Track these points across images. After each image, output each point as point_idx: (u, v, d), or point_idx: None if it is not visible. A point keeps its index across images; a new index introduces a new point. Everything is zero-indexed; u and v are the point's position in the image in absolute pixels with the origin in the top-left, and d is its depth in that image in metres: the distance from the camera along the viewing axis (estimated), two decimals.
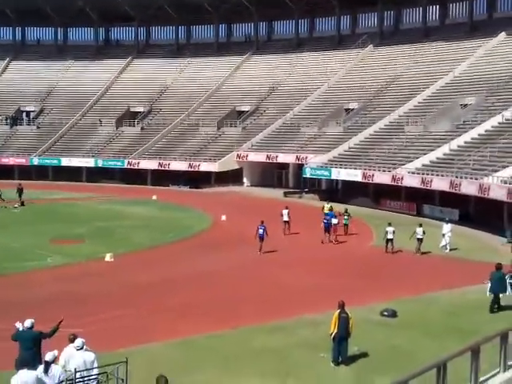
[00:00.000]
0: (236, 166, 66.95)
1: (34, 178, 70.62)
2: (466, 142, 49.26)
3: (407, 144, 54.72)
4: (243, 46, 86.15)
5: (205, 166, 66.94)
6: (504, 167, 40.84)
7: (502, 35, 65.66)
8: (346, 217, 37.06)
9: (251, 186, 66.35)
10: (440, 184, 43.56)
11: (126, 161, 70.55)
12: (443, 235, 32.58)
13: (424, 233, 31.79)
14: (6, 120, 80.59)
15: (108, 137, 76.90)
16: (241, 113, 74.98)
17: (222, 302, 22.36)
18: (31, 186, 57.62)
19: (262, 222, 31.97)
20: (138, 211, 47.22)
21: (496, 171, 40.54)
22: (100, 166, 71.43)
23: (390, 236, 31.91)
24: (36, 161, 73.65)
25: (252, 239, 31.68)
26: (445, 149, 49.52)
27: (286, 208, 37.82)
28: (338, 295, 18.28)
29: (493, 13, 70.97)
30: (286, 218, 37.17)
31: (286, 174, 67.04)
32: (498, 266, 22.15)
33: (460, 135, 50.44)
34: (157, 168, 68.90)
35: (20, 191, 49.72)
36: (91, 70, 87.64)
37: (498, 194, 36.95)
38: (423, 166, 48.35)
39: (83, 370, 12.24)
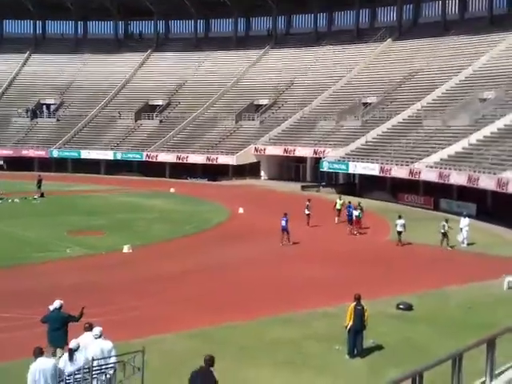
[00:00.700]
0: (254, 160, 67.02)
1: (54, 170, 71.30)
2: (485, 137, 48.93)
3: (425, 138, 54.46)
4: (262, 40, 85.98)
5: (223, 159, 67.08)
6: None
7: None
8: (358, 210, 37.02)
9: (268, 179, 66.41)
10: (458, 178, 43.35)
11: (144, 153, 70.84)
12: (461, 229, 32.46)
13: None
14: (27, 112, 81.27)
15: (127, 130, 77.28)
16: (259, 106, 74.98)
17: (237, 294, 22.50)
18: (51, 178, 58.18)
19: (286, 214, 32.19)
20: (156, 204, 47.45)
21: None
22: (119, 158, 71.82)
23: (399, 229, 32.11)
24: (56, 153, 74.21)
25: (269, 231, 31.77)
26: (464, 143, 49.24)
27: (309, 201, 37.91)
28: (354, 288, 18.34)
29: None
30: (307, 211, 37.27)
31: (303, 168, 67.00)
32: None
33: (479, 129, 50.09)
34: (175, 161, 69.12)
35: (39, 183, 50.15)
36: (110, 64, 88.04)
37: None
38: (441, 160, 48.12)
39: (100, 359, 12.42)
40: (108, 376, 12.27)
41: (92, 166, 71.31)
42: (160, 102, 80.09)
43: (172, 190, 55.83)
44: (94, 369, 11.99)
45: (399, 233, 32.20)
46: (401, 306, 20.49)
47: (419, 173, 47.18)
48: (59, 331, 14.21)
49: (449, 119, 54.98)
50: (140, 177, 68.98)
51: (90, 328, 13.12)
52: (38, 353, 11.74)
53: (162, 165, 70.12)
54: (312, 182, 62.93)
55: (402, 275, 26.01)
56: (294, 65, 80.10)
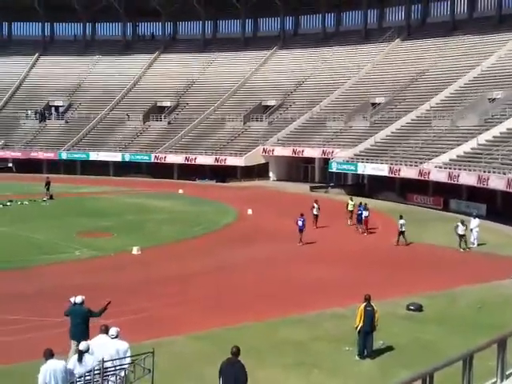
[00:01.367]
0: (262, 161, 67.00)
1: (63, 172, 71.55)
2: (494, 137, 48.77)
3: (434, 138, 54.31)
4: (270, 41, 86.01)
5: (231, 161, 67.10)
6: None
7: None
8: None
9: (277, 180, 66.40)
10: (467, 179, 43.21)
11: (152, 155, 70.95)
12: (471, 230, 32.30)
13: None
14: (35, 114, 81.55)
15: (135, 131, 77.44)
16: (267, 107, 74.97)
17: (246, 295, 22.47)
18: (60, 180, 58.35)
19: (302, 215, 32.42)
20: (165, 205, 47.48)
21: None
22: (127, 160, 71.93)
23: (402, 228, 32.10)
24: (64, 155, 74.41)
25: (277, 233, 31.73)
26: (473, 143, 49.08)
27: (316, 202, 37.87)
28: (363, 289, 18.27)
29: None
30: (315, 212, 37.21)
31: (311, 169, 66.97)
32: None
33: (488, 129, 49.95)
34: (183, 162, 69.21)
35: (47, 185, 50.24)
36: (119, 65, 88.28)
37: None
38: (450, 160, 47.97)
39: (116, 359, 12.46)
40: (119, 378, 12.26)
41: (101, 168, 71.41)
42: (168, 104, 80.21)
43: (180, 191, 55.87)
44: (105, 370, 11.99)
45: (402, 233, 32.18)
46: (411, 307, 20.41)
47: (428, 173, 47.04)
48: (80, 326, 14.51)
49: (457, 119, 54.81)
50: (148, 178, 69.09)
51: (105, 330, 13.12)
52: (49, 354, 11.74)
53: (171, 166, 70.19)
54: (321, 182, 62.85)
55: (412, 276, 25.89)
56: (302, 65, 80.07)
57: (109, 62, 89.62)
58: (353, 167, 56.08)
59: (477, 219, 32.79)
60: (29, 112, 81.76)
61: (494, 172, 41.44)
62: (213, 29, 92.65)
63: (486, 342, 11.23)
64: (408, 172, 49.56)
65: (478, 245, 32.16)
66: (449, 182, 44.84)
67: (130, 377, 12.47)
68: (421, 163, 49.28)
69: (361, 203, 37.57)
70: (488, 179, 40.60)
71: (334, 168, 58.27)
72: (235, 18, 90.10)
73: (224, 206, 47.31)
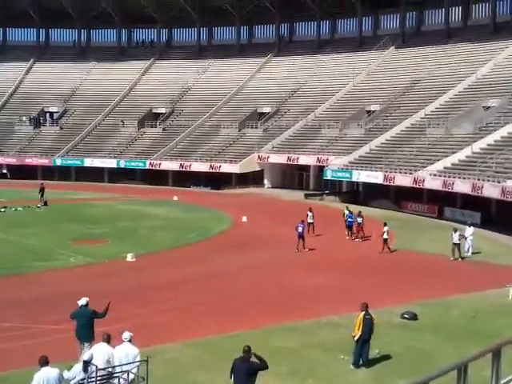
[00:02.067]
0: (257, 168, 67.03)
1: (57, 178, 71.45)
2: (488, 145, 48.89)
3: (429, 146, 54.41)
4: (265, 48, 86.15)
5: (226, 168, 67.10)
6: None
7: None
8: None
9: (272, 187, 66.40)
10: (462, 187, 43.29)
11: (147, 162, 70.92)
12: (465, 238, 32.32)
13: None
14: (30, 121, 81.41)
15: (130, 138, 77.41)
16: (262, 114, 75.06)
17: (241, 302, 22.45)
18: (54, 187, 58.25)
19: (302, 221, 32.79)
20: (160, 212, 47.44)
21: None
22: (122, 166, 71.87)
23: (386, 236, 32.31)
24: (59, 161, 74.30)
25: (272, 240, 31.72)
26: (467, 151, 49.19)
27: (310, 210, 37.85)
28: (357, 297, 18.29)
29: None
30: (310, 220, 37.22)
31: (306, 176, 67.02)
32: None
33: (482, 137, 50.07)
34: (178, 169, 69.21)
35: (42, 191, 50.12)
36: (113, 72, 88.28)
37: None
38: (445, 168, 48.06)
39: (125, 364, 12.63)
40: (124, 381, 12.37)
41: (95, 174, 71.33)
42: (163, 110, 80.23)
43: (175, 198, 55.84)
44: (111, 373, 12.17)
45: (385, 240, 32.34)
46: (405, 316, 20.39)
47: (423, 181, 47.12)
48: (86, 327, 14.89)
49: (452, 127, 54.95)
50: (143, 185, 69.08)
51: (107, 339, 13.14)
52: (44, 362, 11.74)
53: (165, 173, 70.20)
54: (315, 190, 62.89)
55: (406, 284, 25.91)
56: (297, 72, 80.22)
57: (104, 68, 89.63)
58: (347, 175, 56.12)
59: (472, 227, 32.81)
60: (23, 118, 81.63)
61: (488, 180, 41.53)
62: (208, 36, 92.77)
63: (481, 351, 11.22)
64: (402, 180, 49.62)
65: (473, 253, 32.18)
66: (443, 189, 44.92)
67: None
68: (415, 171, 49.35)
69: (350, 211, 37.75)
70: (482, 187, 40.67)
71: (328, 175, 58.28)
72: (230, 24, 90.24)
73: (219, 213, 47.29)
